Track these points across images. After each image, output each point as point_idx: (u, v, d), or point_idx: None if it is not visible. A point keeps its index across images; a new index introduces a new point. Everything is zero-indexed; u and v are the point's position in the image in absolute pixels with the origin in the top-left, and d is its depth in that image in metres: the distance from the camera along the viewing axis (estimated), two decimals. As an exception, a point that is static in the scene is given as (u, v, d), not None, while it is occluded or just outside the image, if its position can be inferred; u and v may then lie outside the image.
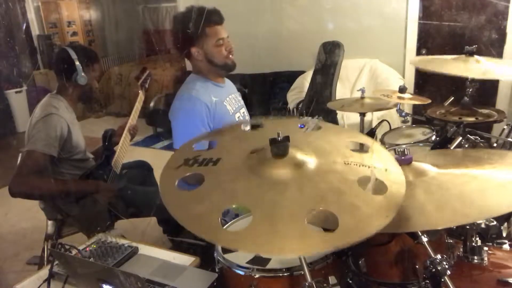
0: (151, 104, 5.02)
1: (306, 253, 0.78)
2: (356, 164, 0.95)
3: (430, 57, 1.89)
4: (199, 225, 0.84)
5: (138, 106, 2.28)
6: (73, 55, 2.00)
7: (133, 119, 2.24)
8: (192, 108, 1.72)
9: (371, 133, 2.11)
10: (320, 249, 0.77)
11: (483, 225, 1.05)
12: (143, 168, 2.48)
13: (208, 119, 1.74)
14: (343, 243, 0.76)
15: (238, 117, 1.91)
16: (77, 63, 2.00)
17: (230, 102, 1.89)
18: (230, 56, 1.81)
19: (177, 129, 1.76)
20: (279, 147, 0.94)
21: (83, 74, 2.01)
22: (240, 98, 1.99)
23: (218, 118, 1.78)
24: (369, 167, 0.93)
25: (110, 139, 2.12)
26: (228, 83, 1.97)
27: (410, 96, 2.06)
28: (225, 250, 1.21)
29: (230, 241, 0.82)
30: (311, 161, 0.94)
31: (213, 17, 1.74)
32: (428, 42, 3.76)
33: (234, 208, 0.84)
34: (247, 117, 1.99)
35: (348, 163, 0.95)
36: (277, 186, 0.89)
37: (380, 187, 0.87)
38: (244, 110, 1.98)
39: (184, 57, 1.84)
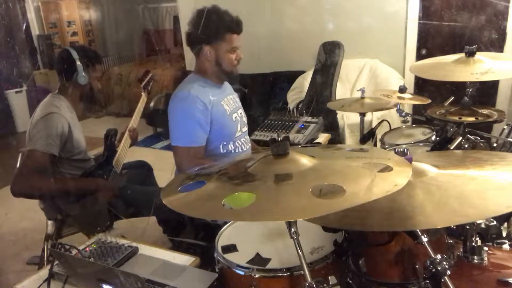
0: (151, 104, 5.03)
1: (314, 214, 0.78)
2: (359, 157, 0.96)
3: (430, 61, 1.86)
4: (196, 209, 0.85)
5: (140, 108, 2.30)
6: (75, 55, 2.02)
7: (135, 120, 2.25)
8: (189, 105, 1.75)
9: (371, 133, 2.11)
10: (328, 211, 0.76)
11: (483, 225, 1.05)
12: (143, 168, 2.49)
13: (204, 117, 1.77)
14: (350, 204, 0.76)
15: (235, 117, 1.93)
16: (78, 63, 2.01)
17: (228, 103, 1.92)
18: (237, 66, 1.87)
19: (174, 126, 1.80)
20: (279, 147, 0.94)
21: (83, 74, 2.02)
22: (237, 100, 2.02)
23: (215, 117, 1.81)
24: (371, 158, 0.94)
25: (112, 139, 2.13)
26: (226, 84, 2.00)
27: (410, 96, 2.06)
28: (225, 250, 1.22)
29: (232, 214, 0.82)
30: (313, 160, 0.95)
31: (235, 27, 1.80)
32: (428, 42, 3.76)
33: (229, 200, 0.83)
34: (244, 118, 2.01)
35: (350, 157, 0.96)
36: (279, 176, 0.90)
37: (385, 169, 0.89)
38: (241, 111, 2.01)
39: (193, 51, 1.86)
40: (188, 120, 1.76)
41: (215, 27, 1.76)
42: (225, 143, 1.87)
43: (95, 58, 2.11)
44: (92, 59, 2.09)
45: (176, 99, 1.81)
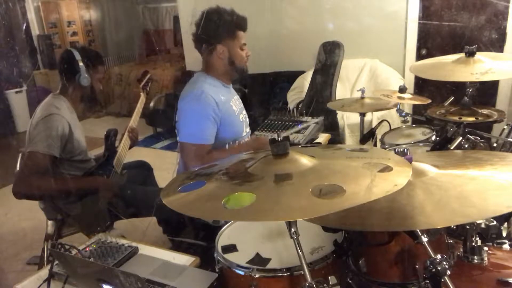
0: (151, 104, 5.03)
1: (314, 214, 0.78)
2: (359, 157, 0.96)
3: (430, 61, 1.86)
4: (196, 209, 0.85)
5: (139, 108, 2.30)
6: (77, 56, 2.01)
7: (134, 120, 2.26)
8: (203, 103, 1.77)
9: (371, 133, 2.11)
10: (328, 211, 0.77)
11: (483, 225, 1.05)
12: (143, 168, 2.49)
13: (216, 116, 1.80)
14: (350, 204, 0.76)
15: (242, 118, 1.96)
16: (80, 64, 2.01)
17: (235, 103, 1.95)
18: (246, 62, 1.91)
19: (186, 123, 1.81)
20: (279, 147, 0.94)
21: (86, 75, 2.02)
22: (240, 101, 2.04)
23: (225, 116, 1.83)
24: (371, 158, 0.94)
25: (112, 139, 2.13)
26: (231, 86, 2.01)
27: (410, 96, 2.06)
28: (225, 250, 1.22)
29: (232, 214, 0.83)
30: (313, 161, 0.95)
31: (244, 24, 1.85)
32: (428, 42, 3.76)
33: (229, 200, 0.83)
34: (247, 119, 2.04)
35: (350, 157, 0.97)
36: (279, 176, 0.90)
37: (385, 169, 0.89)
38: (245, 112, 2.04)
39: (202, 50, 1.88)
40: (202, 118, 1.78)
41: (227, 25, 1.80)
42: (231, 143, 1.89)
43: (97, 59, 2.11)
44: (95, 60, 2.09)
45: (189, 97, 1.81)
